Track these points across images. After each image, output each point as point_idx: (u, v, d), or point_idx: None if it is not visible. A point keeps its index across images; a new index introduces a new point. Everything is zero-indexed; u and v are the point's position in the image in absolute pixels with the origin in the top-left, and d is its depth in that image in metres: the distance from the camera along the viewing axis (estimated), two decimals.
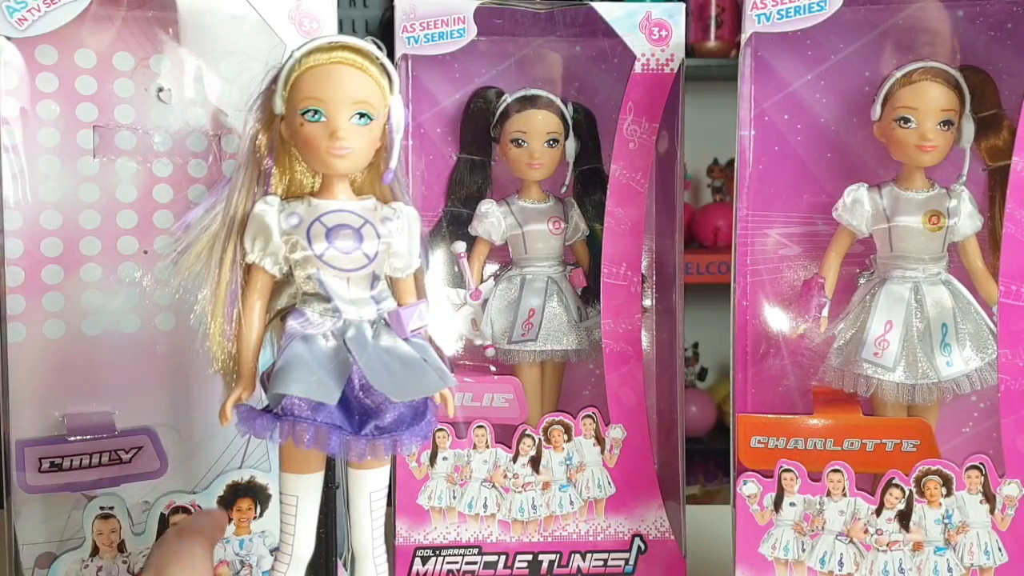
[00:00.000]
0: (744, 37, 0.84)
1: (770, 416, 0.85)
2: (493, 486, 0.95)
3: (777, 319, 0.89)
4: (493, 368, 1.00)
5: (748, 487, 0.85)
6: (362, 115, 0.71)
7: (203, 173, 0.89)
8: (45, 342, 0.84)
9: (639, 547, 0.96)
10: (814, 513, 0.84)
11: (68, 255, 0.85)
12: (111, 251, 0.86)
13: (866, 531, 0.83)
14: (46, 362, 0.85)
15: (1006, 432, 0.81)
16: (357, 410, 0.71)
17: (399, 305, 0.74)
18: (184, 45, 0.88)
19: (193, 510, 0.85)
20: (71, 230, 0.85)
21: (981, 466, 0.82)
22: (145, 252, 0.87)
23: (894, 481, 0.83)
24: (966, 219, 0.85)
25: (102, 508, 0.83)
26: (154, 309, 0.88)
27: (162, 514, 0.84)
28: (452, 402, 0.75)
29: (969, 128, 0.85)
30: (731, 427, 0.86)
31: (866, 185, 0.87)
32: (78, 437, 0.83)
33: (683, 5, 0.94)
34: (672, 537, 0.96)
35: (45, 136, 0.84)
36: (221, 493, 0.86)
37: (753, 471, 0.84)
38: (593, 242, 1.00)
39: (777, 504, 0.84)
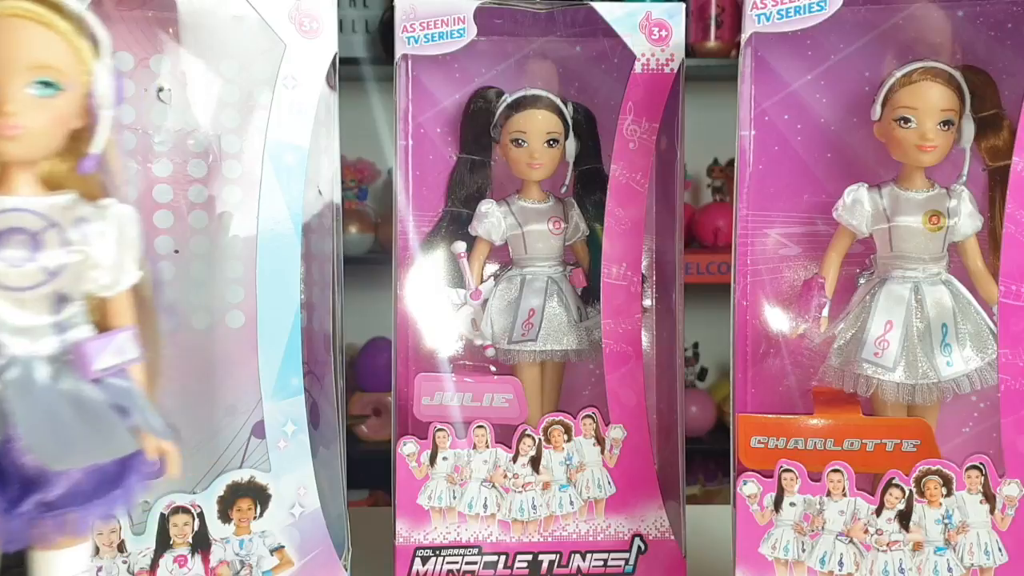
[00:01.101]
0: (744, 37, 0.84)
1: (770, 416, 0.85)
2: (493, 486, 0.95)
3: (777, 319, 0.88)
4: (493, 368, 1.00)
5: (748, 487, 0.84)
6: (45, 84, 0.57)
7: (203, 173, 0.89)
8: None
9: (639, 547, 0.96)
10: (814, 513, 0.84)
11: None
12: None
13: (866, 531, 0.83)
14: None
15: (1006, 432, 0.81)
16: (16, 478, 0.56)
17: (99, 334, 0.59)
18: (184, 45, 0.88)
19: (192, 510, 0.85)
20: None
21: (981, 466, 0.82)
22: None
23: (894, 481, 0.83)
24: (966, 219, 0.85)
25: None
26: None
27: (162, 514, 0.84)
28: (176, 460, 0.62)
29: (969, 128, 0.85)
30: (731, 427, 0.86)
31: (866, 185, 0.87)
32: None
33: (683, 5, 0.94)
34: (672, 537, 0.96)
35: None
36: (221, 493, 0.85)
37: (753, 471, 0.84)
38: (593, 242, 1.00)
39: (777, 504, 0.84)
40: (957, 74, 0.84)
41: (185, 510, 0.85)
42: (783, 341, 0.89)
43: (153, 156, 0.88)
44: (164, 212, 0.88)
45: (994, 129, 0.85)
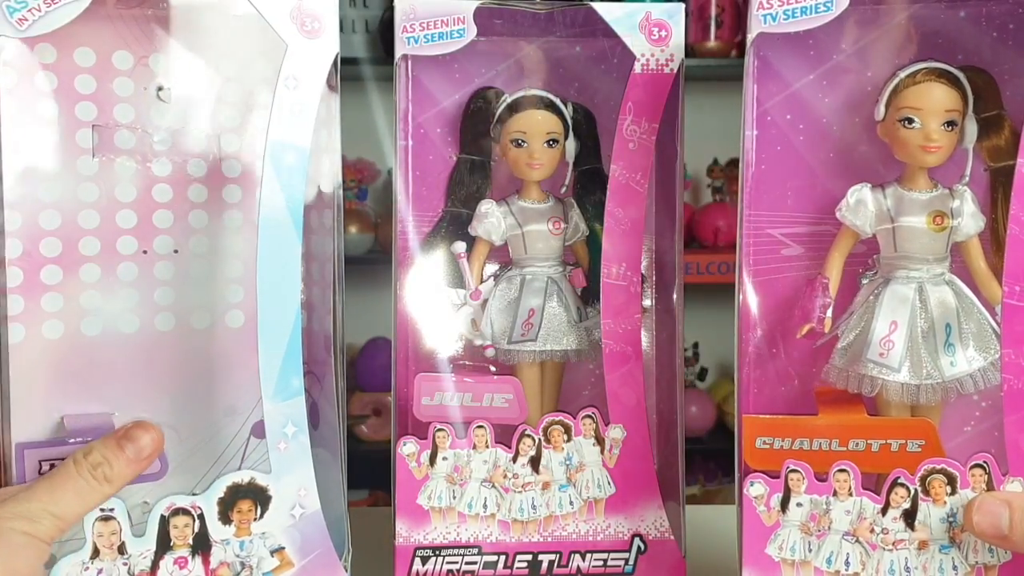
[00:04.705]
0: (751, 37, 0.83)
1: (775, 416, 0.84)
2: (493, 486, 0.95)
3: (780, 320, 0.88)
4: (493, 368, 1.00)
5: (755, 488, 0.84)
6: None
7: (203, 172, 0.88)
8: (44, 343, 0.83)
9: (639, 547, 0.96)
10: (820, 513, 0.83)
11: (67, 255, 0.84)
12: (110, 251, 0.86)
13: (872, 530, 0.83)
14: (45, 363, 0.84)
15: (1009, 431, 0.81)
16: None
17: None
18: (184, 44, 0.87)
19: (193, 512, 0.84)
20: (70, 230, 0.84)
21: (985, 464, 0.82)
22: (144, 252, 0.87)
23: (899, 480, 0.82)
24: (969, 219, 0.85)
25: (102, 510, 0.82)
26: (153, 309, 0.88)
27: (162, 516, 0.83)
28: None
29: (972, 128, 0.85)
30: (735, 427, 0.85)
31: (869, 185, 0.86)
32: (78, 439, 0.82)
33: (683, 5, 0.94)
34: (672, 537, 0.96)
35: (44, 136, 0.83)
36: (221, 494, 0.85)
37: (759, 472, 0.84)
38: (593, 242, 1.00)
39: (784, 505, 0.84)
40: (961, 75, 0.84)
41: (185, 512, 0.84)
42: (786, 342, 0.88)
43: (152, 155, 0.87)
44: (164, 212, 0.87)
45: (996, 129, 0.85)
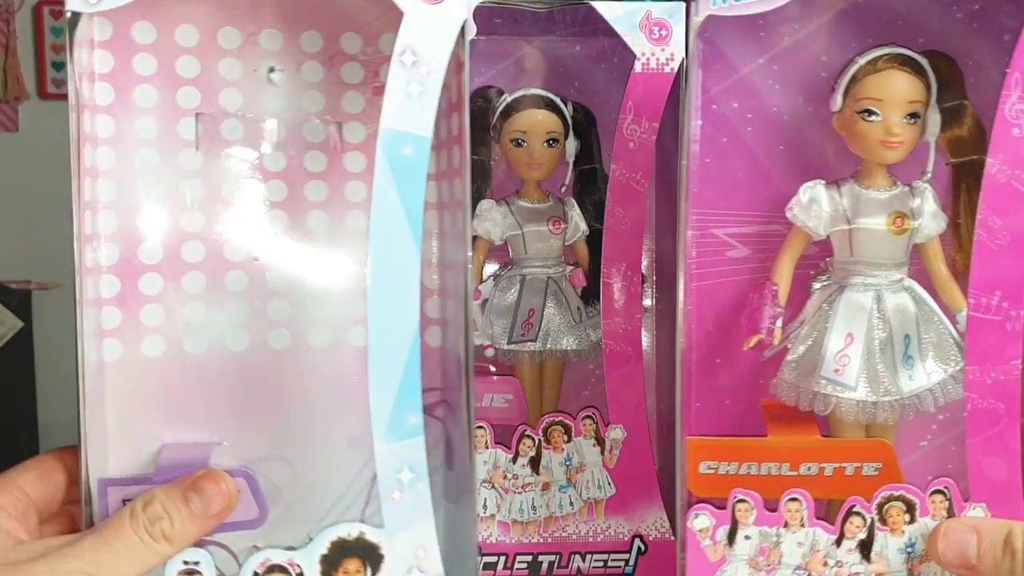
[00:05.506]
0: (698, 20, 0.75)
1: (720, 438, 0.77)
2: (493, 487, 0.96)
3: (725, 328, 0.83)
4: (493, 368, 1.01)
5: (700, 520, 0.76)
6: None
7: (322, 167, 0.77)
8: (143, 361, 0.73)
9: (639, 548, 0.96)
10: (770, 546, 0.76)
11: (169, 262, 0.74)
12: (217, 258, 0.75)
13: (825, 563, 0.76)
14: (144, 384, 0.73)
15: (971, 453, 0.74)
16: None
17: None
18: (297, 18, 0.76)
19: (291, 570, 0.70)
20: (172, 233, 0.74)
21: (946, 490, 0.75)
22: (256, 259, 0.76)
23: (855, 509, 0.76)
24: (930, 219, 0.78)
25: (186, 563, 0.68)
26: (266, 325, 0.76)
27: (255, 573, 0.69)
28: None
29: (935, 120, 0.78)
30: (676, 450, 0.78)
31: (823, 182, 0.79)
32: (166, 477, 0.70)
33: (683, 4, 0.92)
34: (672, 538, 0.95)
35: (142, 126, 0.73)
36: (324, 551, 0.70)
37: (704, 501, 0.76)
38: (593, 242, 0.99)
39: (731, 538, 0.76)
40: (924, 61, 0.77)
41: (282, 569, 0.69)
42: (732, 353, 0.83)
43: (264, 147, 0.77)
44: (278, 212, 0.77)
45: (958, 121, 0.77)
